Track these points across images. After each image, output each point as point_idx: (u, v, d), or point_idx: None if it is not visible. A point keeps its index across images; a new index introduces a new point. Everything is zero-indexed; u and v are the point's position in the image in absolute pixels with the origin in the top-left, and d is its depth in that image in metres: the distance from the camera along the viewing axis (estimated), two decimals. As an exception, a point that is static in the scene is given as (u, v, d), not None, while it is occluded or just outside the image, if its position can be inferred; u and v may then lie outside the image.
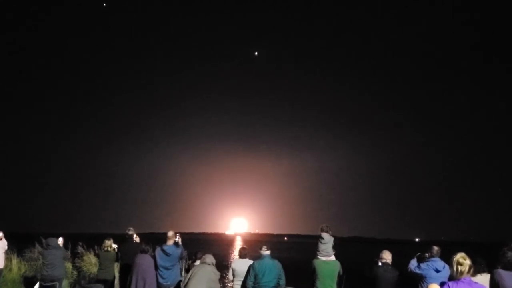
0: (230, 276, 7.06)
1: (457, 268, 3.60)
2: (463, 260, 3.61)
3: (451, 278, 3.71)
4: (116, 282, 8.92)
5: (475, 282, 3.68)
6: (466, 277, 3.61)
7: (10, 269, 11.20)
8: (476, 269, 5.35)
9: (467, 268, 3.60)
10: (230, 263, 7.20)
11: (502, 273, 4.45)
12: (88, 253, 12.30)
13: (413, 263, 6.87)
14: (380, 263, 6.58)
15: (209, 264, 6.43)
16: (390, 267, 6.53)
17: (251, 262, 6.69)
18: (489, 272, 5.10)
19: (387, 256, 6.62)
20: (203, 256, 6.77)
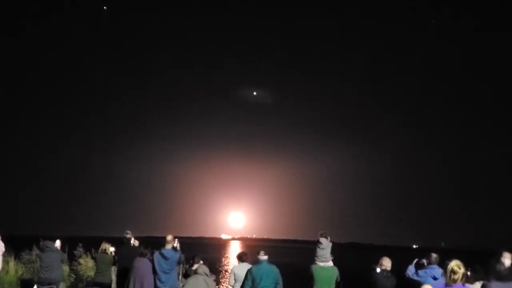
0: (232, 281, 7.08)
1: (450, 276, 3.64)
2: (457, 268, 3.63)
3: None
4: (114, 285, 8.90)
5: (465, 287, 3.72)
6: (458, 284, 3.65)
7: (7, 272, 11.17)
8: (475, 276, 5.37)
9: (460, 276, 3.63)
10: (232, 268, 7.23)
11: (494, 285, 4.45)
12: (85, 256, 12.25)
13: (411, 269, 6.90)
14: (379, 270, 6.60)
15: (201, 274, 6.37)
16: (389, 274, 6.55)
17: (250, 266, 6.70)
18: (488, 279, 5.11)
19: (387, 263, 6.64)
20: (197, 267, 6.70)
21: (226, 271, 27.89)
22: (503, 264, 4.85)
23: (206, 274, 6.38)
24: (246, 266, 6.88)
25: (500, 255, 5.44)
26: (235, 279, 6.97)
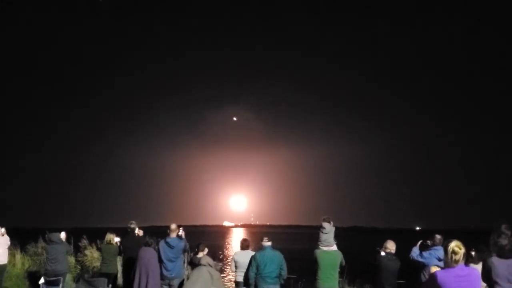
0: (233, 268, 7.10)
1: (451, 257, 3.63)
2: (458, 249, 3.63)
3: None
4: (119, 275, 8.96)
5: (467, 267, 3.74)
6: (460, 264, 3.65)
7: (14, 265, 11.25)
8: (479, 256, 5.37)
9: (461, 256, 3.63)
10: (233, 255, 7.24)
11: (495, 260, 4.35)
12: (90, 247, 12.32)
13: (415, 251, 6.92)
14: (383, 253, 6.63)
15: (204, 265, 6.37)
16: (393, 257, 6.59)
17: (252, 253, 6.73)
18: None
19: (391, 246, 6.67)
20: (201, 258, 6.68)
21: (228, 258, 28.08)
22: (505, 238, 4.49)
23: (210, 265, 6.38)
24: (247, 253, 6.91)
25: (501, 229, 5.14)
26: (236, 266, 7.00)
